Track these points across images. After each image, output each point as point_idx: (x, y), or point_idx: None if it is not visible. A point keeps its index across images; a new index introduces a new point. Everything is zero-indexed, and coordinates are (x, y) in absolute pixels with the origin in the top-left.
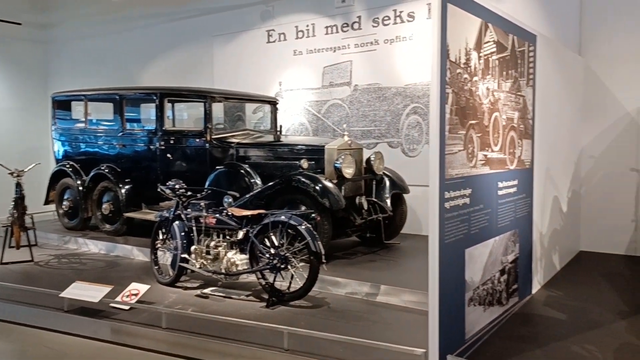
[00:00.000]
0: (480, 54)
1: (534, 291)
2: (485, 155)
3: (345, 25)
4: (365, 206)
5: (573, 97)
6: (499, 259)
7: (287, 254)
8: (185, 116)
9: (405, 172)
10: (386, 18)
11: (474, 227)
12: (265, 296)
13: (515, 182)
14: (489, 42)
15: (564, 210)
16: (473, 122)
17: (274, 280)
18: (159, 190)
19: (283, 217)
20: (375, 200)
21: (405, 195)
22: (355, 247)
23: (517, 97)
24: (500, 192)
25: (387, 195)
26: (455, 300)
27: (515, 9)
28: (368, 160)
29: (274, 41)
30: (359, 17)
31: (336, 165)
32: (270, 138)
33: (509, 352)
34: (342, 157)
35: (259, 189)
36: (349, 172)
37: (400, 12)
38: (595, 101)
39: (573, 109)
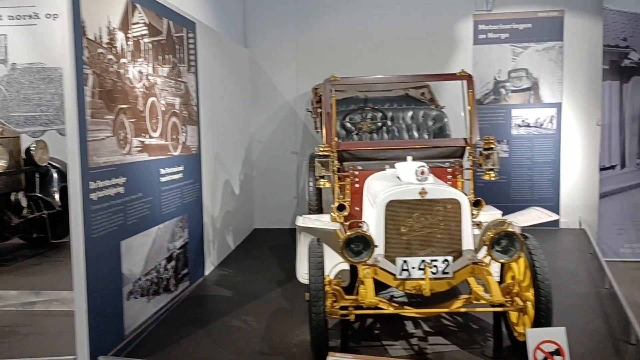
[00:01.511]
0: (129, 35)
1: (207, 273)
2: (143, 142)
3: None
4: (24, 203)
5: (241, 86)
6: (165, 246)
7: None
8: None
9: None
10: None
11: (132, 217)
12: None
13: (181, 168)
14: (138, 23)
15: (237, 193)
16: (124, 106)
17: None
18: None
19: None
20: (40, 195)
21: None
22: (17, 250)
23: (177, 83)
24: (163, 179)
25: (55, 189)
26: (110, 296)
27: None
28: (28, 150)
29: None
30: None
31: None
32: None
33: (173, 338)
34: None
35: None
36: None
37: None
38: (261, 91)
39: (241, 98)
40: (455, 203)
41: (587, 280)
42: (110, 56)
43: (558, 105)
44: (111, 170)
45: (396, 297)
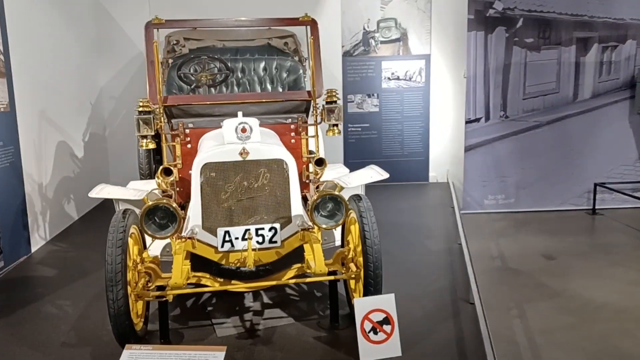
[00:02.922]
0: None
1: (34, 250)
2: None
3: None
4: None
5: (79, 34)
6: None
7: None
8: None
9: None
10: None
11: None
12: None
13: None
14: None
15: (80, 156)
16: None
17: None
18: None
19: None
20: None
21: None
22: None
23: None
24: None
25: None
26: None
27: None
28: None
29: None
30: None
31: None
32: None
33: None
34: None
35: None
36: None
37: None
38: (109, 39)
39: (81, 47)
40: (281, 164)
41: (443, 235)
42: None
43: (427, 57)
44: None
45: (244, 268)
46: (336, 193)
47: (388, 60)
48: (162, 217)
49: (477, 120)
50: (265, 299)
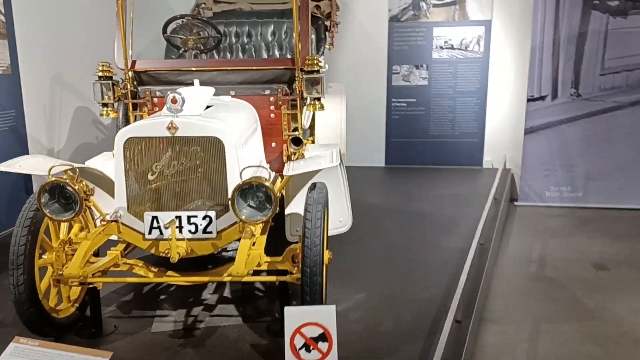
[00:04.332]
0: None
1: None
2: None
3: None
4: None
5: None
6: None
7: None
8: None
9: None
10: None
11: None
12: None
13: None
14: None
15: (106, 122)
16: None
17: None
18: None
19: None
20: None
21: None
22: None
23: None
24: None
25: None
26: None
27: None
28: None
29: None
30: None
31: None
32: None
33: None
34: None
35: None
36: None
37: None
38: (143, 2)
39: (109, 11)
40: (216, 143)
41: (469, 232)
42: None
43: (487, 24)
44: None
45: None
46: (266, 183)
47: (441, 26)
48: (68, 196)
49: (542, 98)
50: (226, 292)
